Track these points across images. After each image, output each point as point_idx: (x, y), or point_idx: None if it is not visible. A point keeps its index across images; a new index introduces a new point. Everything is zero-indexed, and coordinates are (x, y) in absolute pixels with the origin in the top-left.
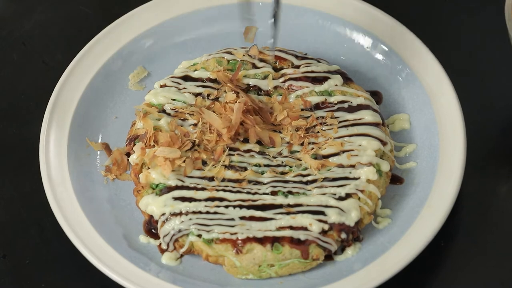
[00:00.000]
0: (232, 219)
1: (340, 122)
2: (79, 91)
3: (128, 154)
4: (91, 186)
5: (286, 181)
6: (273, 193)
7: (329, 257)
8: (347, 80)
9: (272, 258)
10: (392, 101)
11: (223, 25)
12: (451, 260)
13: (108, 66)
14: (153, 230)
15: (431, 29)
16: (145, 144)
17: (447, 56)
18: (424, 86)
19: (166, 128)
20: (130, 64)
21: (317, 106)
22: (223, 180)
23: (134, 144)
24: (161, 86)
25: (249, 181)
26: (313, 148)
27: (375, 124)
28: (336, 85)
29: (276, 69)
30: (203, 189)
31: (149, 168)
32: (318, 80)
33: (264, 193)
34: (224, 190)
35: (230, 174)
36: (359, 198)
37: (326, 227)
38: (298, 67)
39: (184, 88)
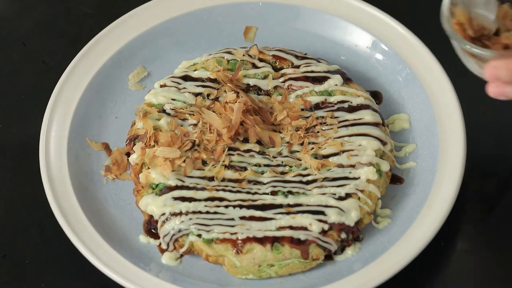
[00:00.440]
0: (232, 219)
1: (340, 122)
2: (79, 91)
3: (128, 154)
4: (91, 186)
5: (286, 181)
6: (273, 193)
7: (329, 257)
8: (347, 80)
9: (272, 258)
10: (392, 101)
11: (223, 25)
12: (451, 260)
13: (108, 66)
14: (153, 230)
15: (431, 29)
16: (145, 144)
17: (447, 56)
18: (424, 86)
19: (166, 128)
20: (130, 64)
21: (317, 106)
22: (223, 180)
23: (134, 144)
24: (161, 86)
25: (249, 181)
26: (313, 148)
27: (375, 124)
28: (336, 85)
29: (276, 69)
30: (203, 189)
31: (149, 168)
32: (318, 80)
33: (264, 193)
34: (224, 190)
35: (230, 174)
36: (359, 198)
37: (326, 227)
38: (298, 67)
39: (184, 88)
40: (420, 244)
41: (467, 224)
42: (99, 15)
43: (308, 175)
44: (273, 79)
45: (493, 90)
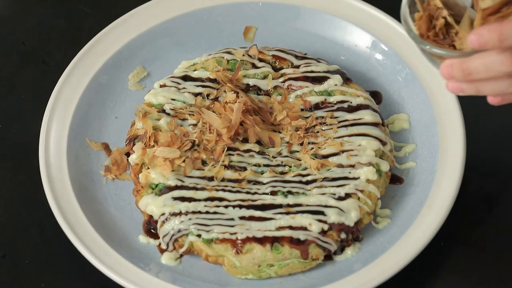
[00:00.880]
0: (232, 219)
1: (339, 122)
2: (79, 91)
3: (128, 154)
4: (91, 186)
5: (286, 181)
6: (273, 193)
7: (328, 257)
8: (346, 80)
9: (271, 258)
10: (391, 101)
11: (223, 25)
12: (451, 260)
13: (108, 66)
14: (152, 230)
15: None
16: (144, 144)
17: None
18: (424, 86)
19: (165, 128)
20: (130, 64)
21: (316, 106)
22: (223, 180)
23: (134, 144)
24: (161, 86)
25: (249, 181)
26: (312, 148)
27: (375, 124)
28: (336, 85)
29: (275, 69)
30: (202, 189)
31: (148, 168)
32: (318, 80)
33: (263, 193)
34: (224, 190)
35: (229, 174)
36: (358, 198)
37: (325, 227)
38: (297, 67)
39: (184, 88)
40: (420, 244)
41: (467, 224)
42: (99, 15)
43: (307, 175)
44: (272, 79)
45: (451, 86)
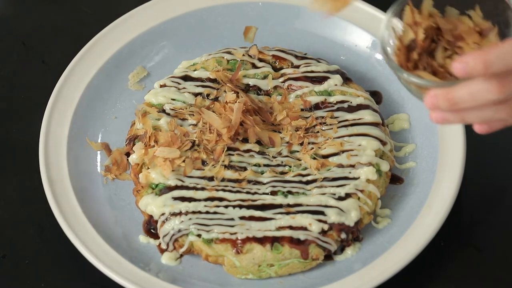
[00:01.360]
0: (232, 219)
1: (339, 122)
2: (79, 91)
3: (128, 154)
4: (91, 186)
5: (286, 181)
6: (273, 193)
7: (328, 257)
8: (346, 80)
9: (271, 258)
10: (391, 101)
11: (223, 25)
12: (451, 260)
13: (108, 66)
14: (152, 230)
15: None
16: (144, 144)
17: None
18: None
19: (165, 128)
20: (130, 64)
21: (316, 106)
22: (223, 180)
23: (134, 144)
24: (161, 86)
25: (249, 181)
26: (312, 148)
27: (375, 124)
28: (336, 85)
29: (275, 69)
30: (202, 189)
31: (148, 168)
32: (318, 80)
33: (263, 193)
34: (224, 190)
35: (229, 174)
36: (358, 198)
37: (325, 227)
38: (297, 67)
39: (184, 88)
40: (420, 244)
41: (467, 224)
42: (99, 15)
43: (308, 175)
44: (272, 79)
45: (435, 116)
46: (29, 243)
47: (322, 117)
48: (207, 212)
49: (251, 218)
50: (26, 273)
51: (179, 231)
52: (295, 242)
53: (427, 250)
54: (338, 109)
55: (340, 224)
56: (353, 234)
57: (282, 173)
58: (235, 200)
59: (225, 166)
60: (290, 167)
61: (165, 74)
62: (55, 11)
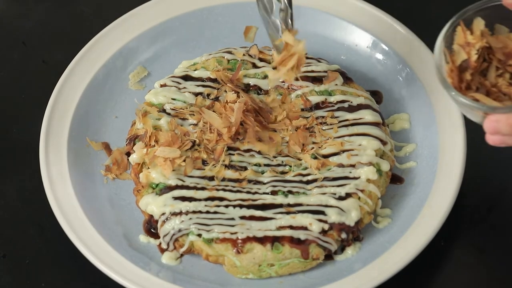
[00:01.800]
0: (232, 219)
1: (340, 121)
2: (79, 91)
3: (128, 154)
4: (91, 185)
5: (286, 181)
6: (273, 193)
7: (329, 256)
8: (347, 79)
9: (272, 258)
10: (392, 100)
11: (223, 25)
12: (451, 260)
13: (108, 66)
14: (153, 230)
15: (432, 29)
16: (145, 144)
17: None
18: (424, 86)
19: (166, 128)
20: (130, 63)
21: (317, 106)
22: (223, 179)
23: (134, 144)
24: (161, 86)
25: (249, 181)
26: (313, 148)
27: (375, 124)
28: (336, 84)
29: (276, 69)
30: (203, 188)
31: (149, 167)
32: (318, 79)
33: (264, 193)
34: (224, 190)
35: (230, 173)
36: (359, 198)
37: (326, 226)
38: None
39: (184, 87)
40: (420, 244)
41: (467, 224)
42: (99, 15)
43: (308, 174)
44: None
45: (494, 140)
46: (29, 243)
47: (323, 117)
48: (208, 212)
49: (252, 217)
50: (26, 273)
51: (180, 230)
52: (295, 242)
53: (427, 250)
54: (338, 109)
55: (340, 224)
56: (354, 234)
57: (283, 172)
58: (235, 200)
59: (226, 166)
60: (291, 166)
61: (165, 73)
62: (55, 11)
